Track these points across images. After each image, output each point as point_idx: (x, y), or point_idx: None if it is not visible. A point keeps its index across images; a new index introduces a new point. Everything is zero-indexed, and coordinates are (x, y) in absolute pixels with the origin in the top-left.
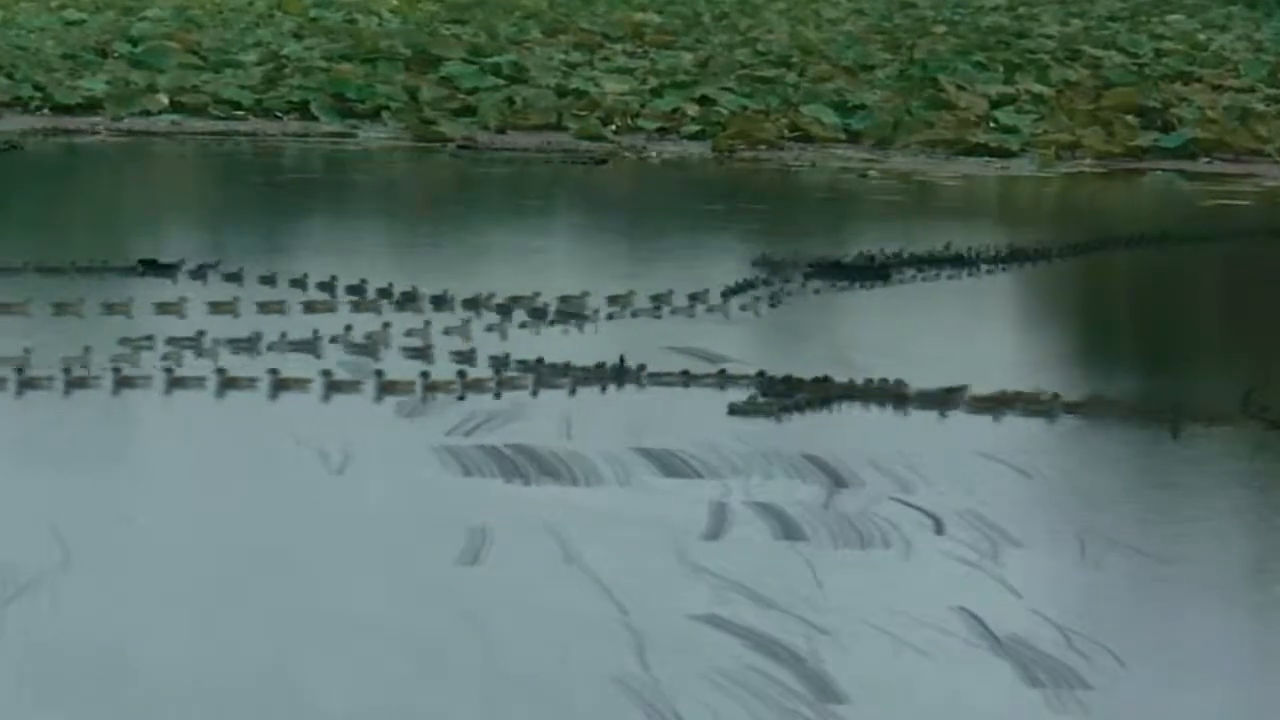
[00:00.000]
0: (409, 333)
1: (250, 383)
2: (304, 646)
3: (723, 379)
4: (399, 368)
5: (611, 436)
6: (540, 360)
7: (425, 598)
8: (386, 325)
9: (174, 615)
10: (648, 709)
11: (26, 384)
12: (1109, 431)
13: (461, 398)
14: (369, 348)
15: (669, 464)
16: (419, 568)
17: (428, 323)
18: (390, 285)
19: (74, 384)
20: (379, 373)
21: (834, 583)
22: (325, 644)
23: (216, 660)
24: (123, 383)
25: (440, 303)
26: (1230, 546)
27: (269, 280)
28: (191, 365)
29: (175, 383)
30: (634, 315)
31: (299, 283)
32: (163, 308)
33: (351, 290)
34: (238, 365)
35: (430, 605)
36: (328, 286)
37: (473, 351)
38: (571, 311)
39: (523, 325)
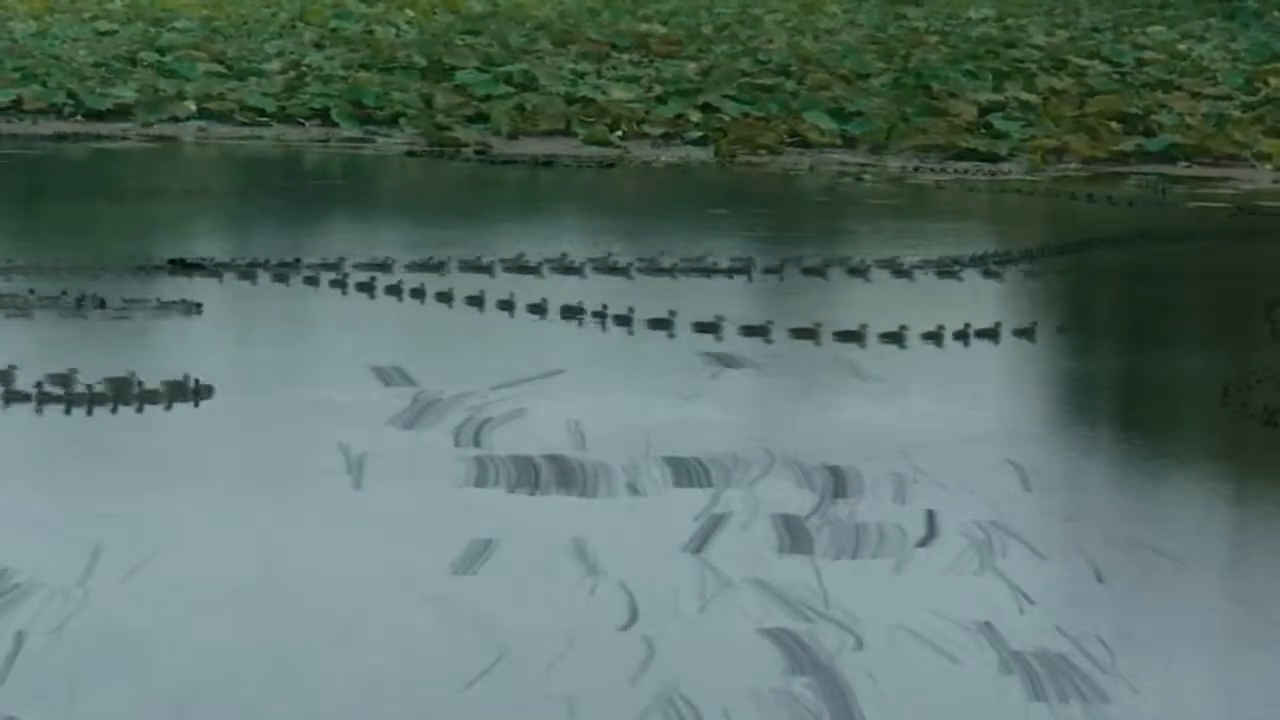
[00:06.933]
0: None
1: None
2: (308, 649)
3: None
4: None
5: (625, 439)
6: None
7: (434, 602)
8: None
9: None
10: (658, 715)
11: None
12: (1100, 427)
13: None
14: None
15: (681, 467)
16: (426, 573)
17: None
18: (422, 285)
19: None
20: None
21: (843, 589)
22: (332, 647)
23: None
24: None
25: (476, 302)
26: (1227, 544)
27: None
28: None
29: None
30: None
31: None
32: None
33: (390, 290)
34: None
35: (440, 610)
36: (367, 287)
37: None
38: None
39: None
